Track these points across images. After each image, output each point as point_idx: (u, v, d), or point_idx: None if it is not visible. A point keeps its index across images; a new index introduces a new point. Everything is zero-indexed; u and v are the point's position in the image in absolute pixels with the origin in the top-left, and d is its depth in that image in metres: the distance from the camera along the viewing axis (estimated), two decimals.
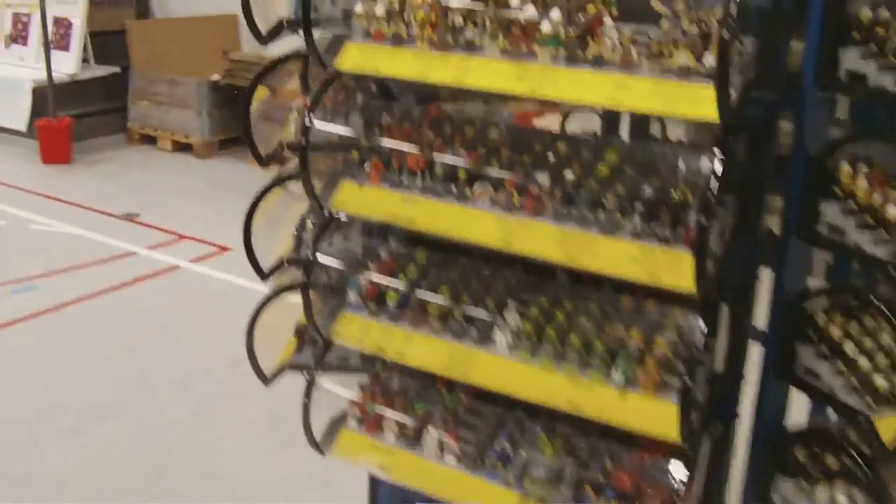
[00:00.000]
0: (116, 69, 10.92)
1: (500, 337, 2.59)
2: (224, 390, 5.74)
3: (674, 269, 2.30)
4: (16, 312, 6.75)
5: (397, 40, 2.56)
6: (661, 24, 2.28)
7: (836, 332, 2.53)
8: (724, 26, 2.08)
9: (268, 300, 3.17)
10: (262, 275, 3.16)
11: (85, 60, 10.92)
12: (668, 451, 2.51)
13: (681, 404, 2.31)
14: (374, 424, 2.90)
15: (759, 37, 2.36)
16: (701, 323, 2.35)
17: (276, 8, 2.97)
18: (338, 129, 2.76)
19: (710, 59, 2.18)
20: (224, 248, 7.94)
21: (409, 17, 2.54)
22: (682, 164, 2.39)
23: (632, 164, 2.49)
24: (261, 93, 3.14)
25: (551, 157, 2.57)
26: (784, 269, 2.59)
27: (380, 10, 2.58)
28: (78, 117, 10.35)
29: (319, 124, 2.69)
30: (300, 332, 3.32)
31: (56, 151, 9.97)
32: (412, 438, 2.83)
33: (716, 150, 2.17)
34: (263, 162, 3.05)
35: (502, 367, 2.58)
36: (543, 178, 2.49)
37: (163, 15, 11.97)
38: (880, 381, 2.45)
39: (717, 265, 2.31)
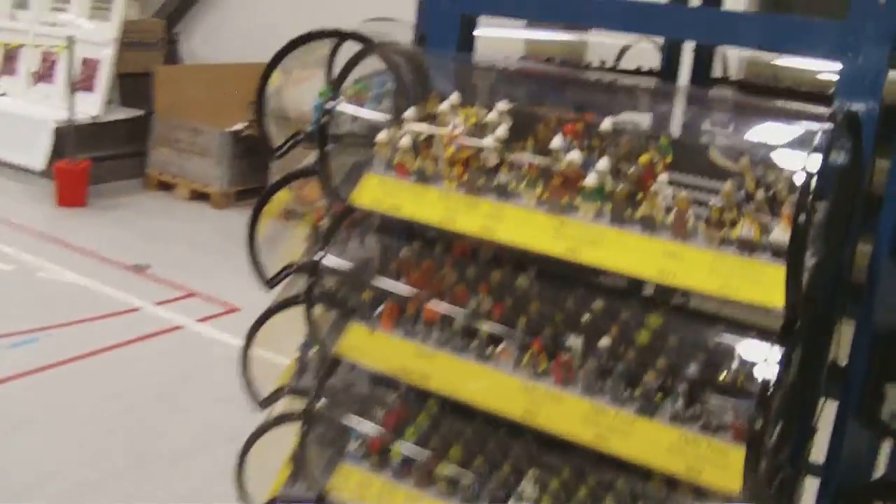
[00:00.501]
0: (140, 112, 10.73)
1: None
2: (223, 469, 5.44)
3: (718, 464, 2.01)
4: (14, 367, 6.50)
5: (422, 177, 2.30)
6: (723, 185, 2.01)
7: None
8: (799, 203, 1.80)
9: (261, 432, 2.90)
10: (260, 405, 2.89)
11: (110, 101, 10.73)
12: None
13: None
14: None
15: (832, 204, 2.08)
16: None
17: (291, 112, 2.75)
18: (345, 264, 2.48)
19: (778, 234, 1.91)
20: (233, 309, 7.67)
21: (437, 152, 2.28)
22: (737, 348, 2.10)
23: (678, 332, 2.21)
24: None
25: (587, 316, 2.29)
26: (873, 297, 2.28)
27: (406, 140, 2.31)
28: (97, 160, 10.14)
29: (331, 260, 2.42)
30: (296, 462, 3.03)
31: (72, 195, 9.75)
32: None
33: (778, 347, 1.88)
34: (270, 284, 2.78)
35: None
36: (576, 343, 2.21)
37: (191, 61, 11.80)
38: None
39: (769, 464, 2.01)
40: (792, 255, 1.83)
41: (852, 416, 2.31)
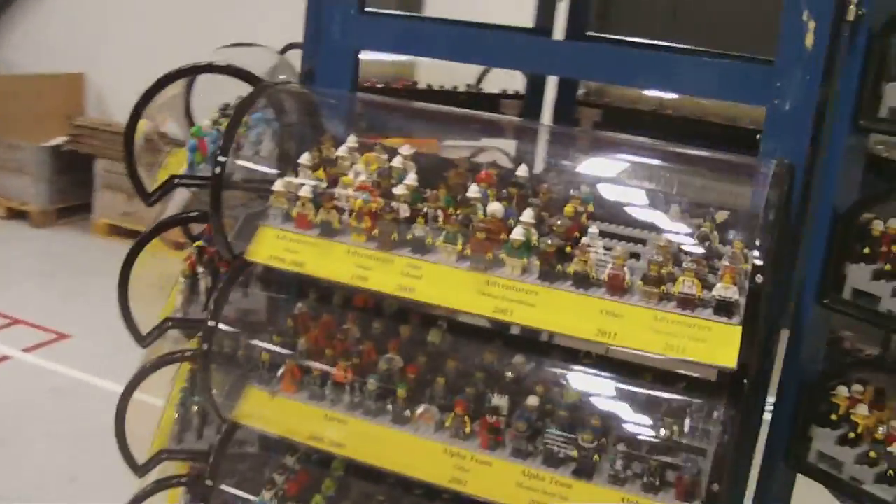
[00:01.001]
0: None
1: None
2: None
3: None
4: None
5: (327, 230, 2.11)
6: (655, 238, 1.91)
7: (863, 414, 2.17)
8: (757, 267, 1.72)
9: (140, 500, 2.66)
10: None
11: None
12: None
13: None
14: None
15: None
16: None
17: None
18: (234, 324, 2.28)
19: (722, 289, 1.82)
20: (63, 335, 7.22)
21: (340, 203, 2.10)
22: (672, 402, 2.02)
23: (608, 388, 2.11)
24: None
25: (509, 373, 2.16)
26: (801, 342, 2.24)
27: (306, 189, 2.12)
28: None
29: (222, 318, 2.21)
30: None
31: None
32: None
33: (727, 409, 1.80)
34: (144, 343, 2.54)
35: None
36: (501, 402, 2.08)
37: (6, 71, 11.08)
38: None
39: None
40: (749, 314, 1.74)
41: (780, 459, 2.26)
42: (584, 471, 2.00)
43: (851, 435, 2.14)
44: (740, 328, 1.81)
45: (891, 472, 2.05)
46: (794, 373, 2.19)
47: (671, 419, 2.03)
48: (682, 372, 2.13)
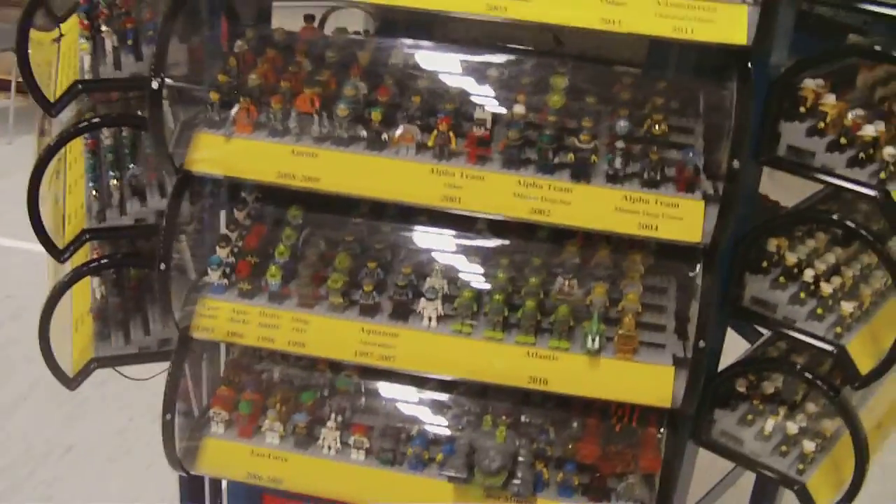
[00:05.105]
0: None
1: (429, 309, 2.10)
2: None
3: (672, 216, 1.92)
4: None
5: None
6: None
7: (791, 258, 2.24)
8: None
9: (71, 282, 2.45)
10: (58, 253, 2.41)
11: None
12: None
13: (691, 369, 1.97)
14: (248, 427, 2.30)
15: None
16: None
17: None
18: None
19: None
20: None
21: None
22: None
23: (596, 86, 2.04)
24: None
25: (488, 86, 2.05)
26: None
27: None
28: None
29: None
30: (100, 314, 2.61)
31: None
32: (304, 437, 2.27)
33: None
34: (54, 109, 2.28)
35: (436, 347, 2.10)
36: (486, 115, 1.98)
37: None
38: (846, 307, 2.20)
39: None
40: None
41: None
42: (583, 173, 1.95)
43: (821, 125, 2.14)
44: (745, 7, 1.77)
45: (861, 155, 2.08)
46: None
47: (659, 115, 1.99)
48: None
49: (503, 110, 2.01)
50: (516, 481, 2.11)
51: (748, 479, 2.91)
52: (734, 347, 2.40)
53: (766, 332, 2.43)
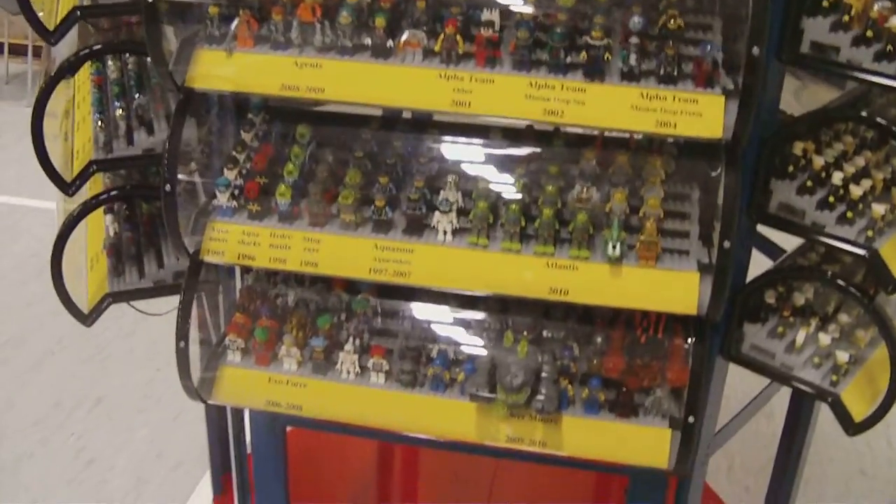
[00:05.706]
0: None
1: (443, 222, 2.03)
2: None
3: (691, 112, 1.83)
4: None
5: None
6: None
7: (819, 161, 2.16)
8: None
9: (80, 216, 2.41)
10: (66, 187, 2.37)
11: None
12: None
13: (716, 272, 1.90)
14: (265, 354, 2.25)
15: None
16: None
17: None
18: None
19: None
20: None
21: None
22: None
23: None
24: None
25: None
26: None
27: None
28: None
29: None
30: (113, 250, 2.57)
31: None
32: (322, 362, 2.22)
33: None
34: (53, 38, 2.23)
35: (452, 261, 2.03)
36: (494, 16, 1.90)
37: None
38: (878, 209, 2.11)
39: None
40: None
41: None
42: (596, 71, 1.87)
43: (846, 19, 2.04)
44: None
45: (890, 47, 1.98)
46: None
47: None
48: None
49: (512, 9, 1.93)
50: (540, 397, 2.05)
51: (780, 400, 2.84)
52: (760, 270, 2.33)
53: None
